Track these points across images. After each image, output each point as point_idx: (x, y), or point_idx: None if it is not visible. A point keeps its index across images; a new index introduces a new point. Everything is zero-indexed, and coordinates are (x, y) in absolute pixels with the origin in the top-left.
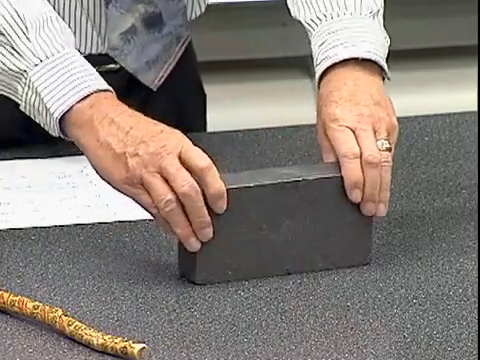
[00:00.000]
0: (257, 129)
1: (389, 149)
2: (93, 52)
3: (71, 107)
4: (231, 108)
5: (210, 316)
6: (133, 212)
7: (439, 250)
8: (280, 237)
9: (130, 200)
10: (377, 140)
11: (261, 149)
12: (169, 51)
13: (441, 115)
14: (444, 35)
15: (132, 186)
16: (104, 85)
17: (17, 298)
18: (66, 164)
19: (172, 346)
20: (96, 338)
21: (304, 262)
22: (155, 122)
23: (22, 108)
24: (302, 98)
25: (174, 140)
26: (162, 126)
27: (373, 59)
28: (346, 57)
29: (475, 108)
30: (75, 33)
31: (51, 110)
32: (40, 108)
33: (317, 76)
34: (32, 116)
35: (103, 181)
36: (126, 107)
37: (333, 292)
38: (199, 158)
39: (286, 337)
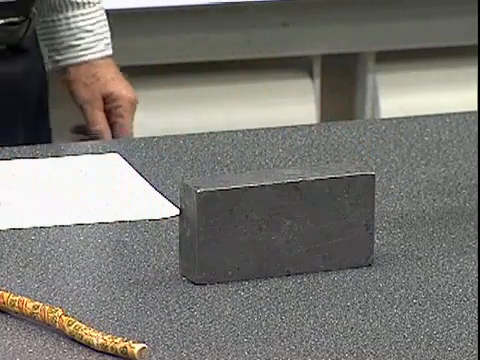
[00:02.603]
0: (257, 129)
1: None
2: None
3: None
4: (231, 108)
5: (210, 316)
6: (133, 212)
7: (439, 250)
8: (280, 238)
9: (130, 200)
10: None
11: (261, 149)
12: None
13: (441, 115)
14: (444, 35)
15: None
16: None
17: (17, 298)
18: (66, 164)
19: (172, 346)
20: (96, 338)
21: (305, 263)
22: None
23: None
24: (302, 98)
25: None
26: None
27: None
28: (107, 55)
29: (475, 108)
30: None
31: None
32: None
33: (73, 60)
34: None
35: (103, 181)
36: None
37: (333, 292)
38: None
39: (286, 337)
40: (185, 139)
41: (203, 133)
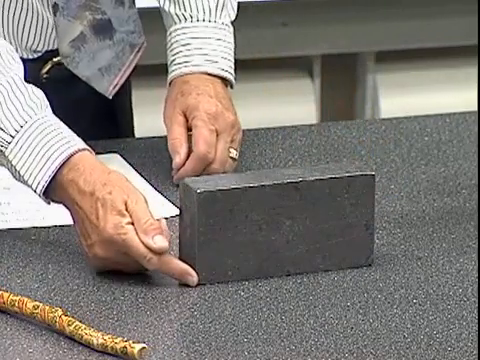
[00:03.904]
0: (257, 129)
1: (235, 160)
2: (55, 47)
3: (49, 182)
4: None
5: (210, 316)
6: None
7: (439, 250)
8: (280, 238)
9: None
10: (230, 147)
11: (261, 149)
12: (122, 58)
13: (441, 115)
14: (444, 35)
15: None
16: (74, 147)
17: (17, 298)
18: None
19: (172, 346)
20: (96, 338)
21: (305, 263)
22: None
23: (15, 179)
24: (302, 98)
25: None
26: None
27: (228, 79)
28: (209, 72)
29: (475, 108)
30: (37, 33)
31: (33, 187)
32: (26, 181)
33: (174, 73)
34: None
35: None
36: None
37: (333, 292)
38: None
39: (286, 337)
40: None
41: None
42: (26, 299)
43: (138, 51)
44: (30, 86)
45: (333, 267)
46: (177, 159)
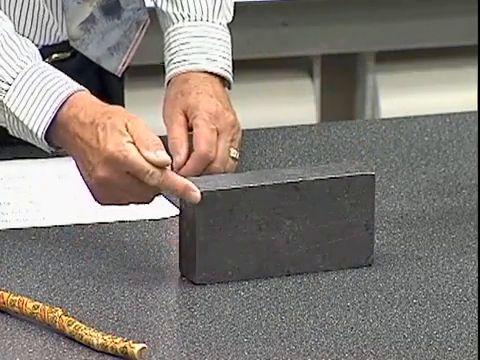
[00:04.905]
0: (257, 129)
1: (236, 159)
2: (53, 42)
3: (50, 124)
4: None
5: (210, 316)
6: (133, 212)
7: (439, 250)
8: (280, 238)
9: None
10: (231, 147)
11: (261, 149)
12: (129, 36)
13: (441, 115)
14: (444, 35)
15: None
16: (72, 88)
17: (17, 298)
18: (66, 164)
19: (172, 346)
20: (96, 338)
21: (305, 263)
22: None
23: (12, 134)
24: (302, 98)
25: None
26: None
27: (227, 78)
28: (208, 70)
29: (475, 108)
30: (33, 25)
31: (34, 130)
32: (27, 126)
33: (173, 72)
34: (24, 138)
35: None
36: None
37: (333, 292)
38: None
39: (286, 337)
40: None
41: None
42: (26, 299)
43: (143, 28)
44: (23, 38)
45: (333, 267)
46: (177, 159)
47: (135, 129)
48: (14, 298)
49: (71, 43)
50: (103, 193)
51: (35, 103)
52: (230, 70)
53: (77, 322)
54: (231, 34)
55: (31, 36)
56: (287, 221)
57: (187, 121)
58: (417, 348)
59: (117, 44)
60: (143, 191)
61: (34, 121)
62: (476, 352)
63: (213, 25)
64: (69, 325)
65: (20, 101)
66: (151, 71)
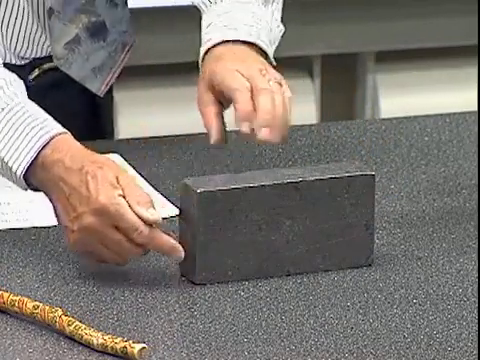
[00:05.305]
0: None
1: (280, 83)
2: (44, 55)
3: (30, 164)
4: (231, 108)
5: (210, 316)
6: None
7: (439, 250)
8: (280, 238)
9: None
10: (269, 80)
11: (261, 149)
12: (114, 58)
13: (441, 115)
14: (444, 35)
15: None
16: (55, 130)
17: (17, 298)
18: None
19: (172, 346)
20: (96, 338)
21: (305, 263)
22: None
23: None
24: (302, 98)
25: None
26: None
27: (252, 41)
28: (229, 38)
29: (475, 108)
30: (25, 40)
31: (14, 168)
32: (6, 163)
33: (201, 54)
34: (1, 175)
35: None
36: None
37: (333, 292)
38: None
39: (286, 337)
40: (185, 139)
41: (203, 133)
42: (26, 299)
43: (128, 50)
44: (10, 73)
45: (333, 267)
46: (212, 141)
47: (126, 183)
48: (14, 298)
49: (55, 62)
50: (81, 241)
51: (17, 141)
52: (257, 36)
53: (77, 322)
54: None
55: (23, 50)
56: (287, 221)
57: (217, 96)
58: (417, 348)
59: (101, 65)
60: (123, 249)
61: (15, 159)
62: (476, 352)
63: (240, 1)
64: (69, 325)
65: (2, 137)
66: (143, 71)
